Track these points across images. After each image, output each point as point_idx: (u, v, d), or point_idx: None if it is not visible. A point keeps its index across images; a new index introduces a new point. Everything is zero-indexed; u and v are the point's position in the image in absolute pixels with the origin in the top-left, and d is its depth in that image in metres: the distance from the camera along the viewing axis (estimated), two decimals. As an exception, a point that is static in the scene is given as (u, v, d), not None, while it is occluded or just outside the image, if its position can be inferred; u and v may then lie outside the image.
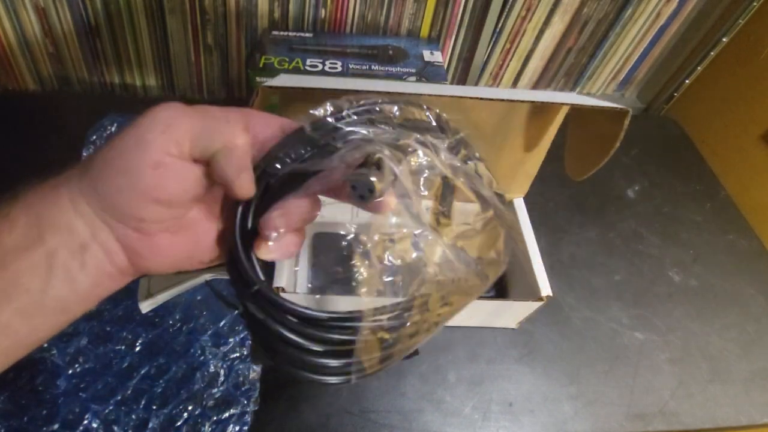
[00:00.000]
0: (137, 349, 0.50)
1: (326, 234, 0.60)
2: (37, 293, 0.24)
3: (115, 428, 0.45)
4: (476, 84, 0.86)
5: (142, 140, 0.24)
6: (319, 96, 0.37)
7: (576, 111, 0.49)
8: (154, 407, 0.47)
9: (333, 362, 0.27)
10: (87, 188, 0.24)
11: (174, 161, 0.24)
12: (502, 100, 0.40)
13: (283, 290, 0.48)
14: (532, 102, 0.48)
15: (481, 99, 0.39)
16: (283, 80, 0.41)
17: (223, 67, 0.77)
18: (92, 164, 0.24)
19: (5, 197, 0.25)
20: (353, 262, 0.27)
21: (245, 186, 0.26)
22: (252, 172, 0.26)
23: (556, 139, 0.54)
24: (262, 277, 0.28)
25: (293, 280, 0.51)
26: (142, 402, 0.47)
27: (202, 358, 0.50)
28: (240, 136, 0.25)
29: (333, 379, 0.27)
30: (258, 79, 0.66)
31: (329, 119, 0.27)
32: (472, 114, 0.33)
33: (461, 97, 0.39)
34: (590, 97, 0.47)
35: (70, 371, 0.48)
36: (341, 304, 0.49)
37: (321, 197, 0.30)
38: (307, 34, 0.73)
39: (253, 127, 0.27)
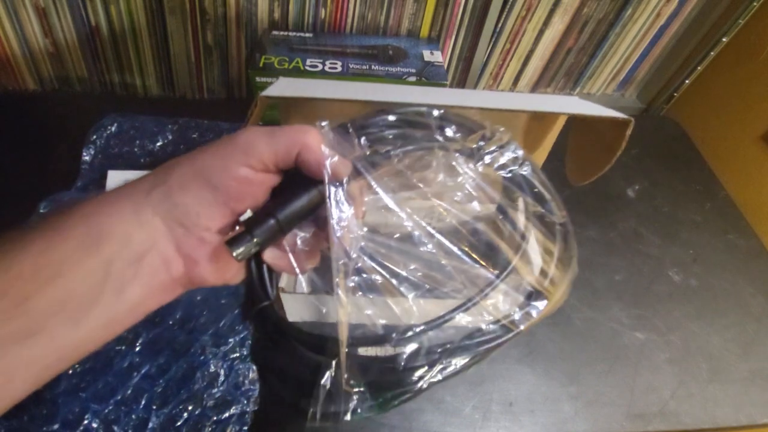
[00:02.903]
0: (137, 348, 0.50)
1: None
2: (87, 304, 0.24)
3: (115, 428, 0.45)
4: (476, 84, 0.86)
5: (226, 158, 0.26)
6: (317, 104, 0.37)
7: (578, 117, 0.49)
8: (154, 407, 0.47)
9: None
10: (158, 198, 0.26)
11: (256, 175, 0.27)
12: (503, 110, 0.40)
13: (283, 290, 0.48)
14: (534, 112, 0.48)
15: (482, 109, 0.39)
16: (282, 88, 0.41)
17: (223, 67, 0.77)
18: (168, 177, 0.26)
19: (59, 210, 0.26)
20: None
21: (339, 168, 0.27)
22: (340, 154, 0.28)
23: (556, 138, 0.54)
24: (271, 295, 0.28)
25: (293, 279, 0.51)
26: (142, 402, 0.47)
27: (202, 357, 0.50)
28: (310, 133, 0.27)
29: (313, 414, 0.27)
30: (258, 79, 0.66)
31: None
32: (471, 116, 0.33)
33: (461, 107, 0.39)
34: (592, 102, 0.47)
35: (70, 371, 0.48)
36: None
37: None
38: (307, 34, 0.73)
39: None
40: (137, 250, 0.25)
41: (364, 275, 0.28)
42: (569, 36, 0.81)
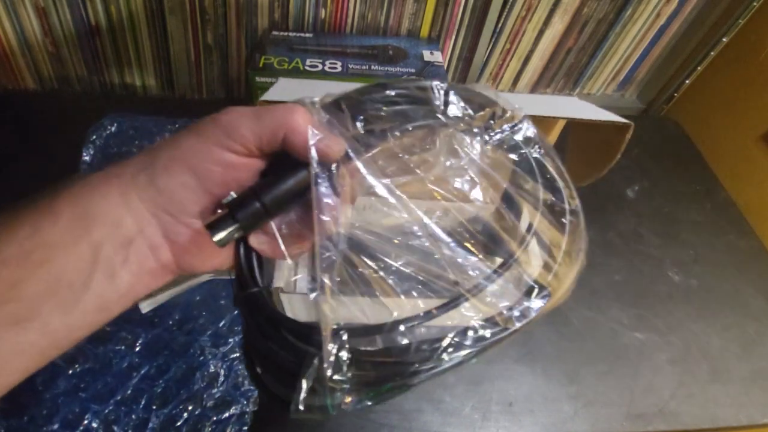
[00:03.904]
0: (137, 349, 0.50)
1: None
2: (78, 289, 0.24)
3: (115, 428, 0.45)
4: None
5: (209, 142, 0.25)
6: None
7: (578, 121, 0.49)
8: (154, 407, 0.47)
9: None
10: (143, 183, 0.25)
11: (240, 159, 0.25)
12: None
13: (282, 290, 0.47)
14: (533, 116, 0.48)
15: None
16: (281, 92, 0.41)
17: (223, 67, 0.77)
18: (153, 161, 0.25)
19: (47, 192, 0.25)
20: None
21: (328, 150, 0.26)
22: (331, 134, 0.26)
23: (556, 139, 0.54)
24: (261, 282, 0.27)
25: (293, 280, 0.51)
26: (142, 402, 0.47)
27: (201, 358, 0.50)
28: (297, 113, 0.25)
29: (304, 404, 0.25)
30: (258, 79, 0.66)
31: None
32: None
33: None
34: (592, 103, 0.47)
35: (70, 371, 0.48)
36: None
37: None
38: (307, 34, 0.73)
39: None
40: (126, 235, 0.25)
41: (352, 264, 0.26)
42: (569, 36, 0.81)
